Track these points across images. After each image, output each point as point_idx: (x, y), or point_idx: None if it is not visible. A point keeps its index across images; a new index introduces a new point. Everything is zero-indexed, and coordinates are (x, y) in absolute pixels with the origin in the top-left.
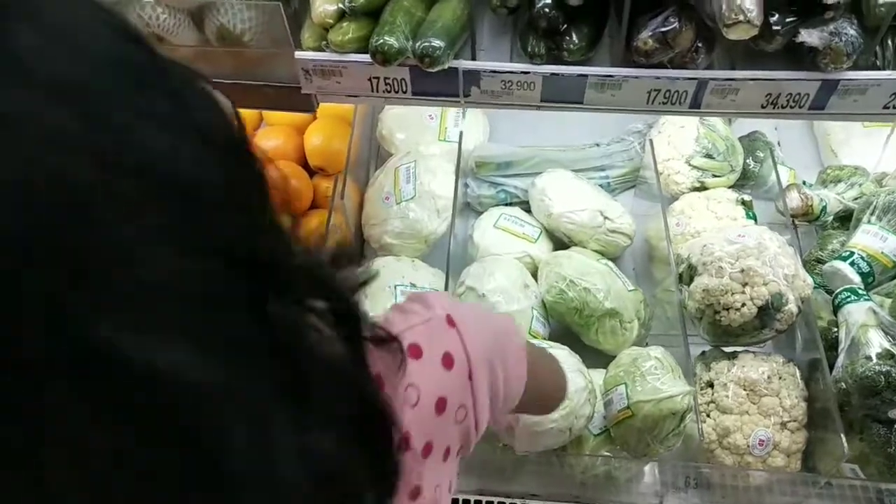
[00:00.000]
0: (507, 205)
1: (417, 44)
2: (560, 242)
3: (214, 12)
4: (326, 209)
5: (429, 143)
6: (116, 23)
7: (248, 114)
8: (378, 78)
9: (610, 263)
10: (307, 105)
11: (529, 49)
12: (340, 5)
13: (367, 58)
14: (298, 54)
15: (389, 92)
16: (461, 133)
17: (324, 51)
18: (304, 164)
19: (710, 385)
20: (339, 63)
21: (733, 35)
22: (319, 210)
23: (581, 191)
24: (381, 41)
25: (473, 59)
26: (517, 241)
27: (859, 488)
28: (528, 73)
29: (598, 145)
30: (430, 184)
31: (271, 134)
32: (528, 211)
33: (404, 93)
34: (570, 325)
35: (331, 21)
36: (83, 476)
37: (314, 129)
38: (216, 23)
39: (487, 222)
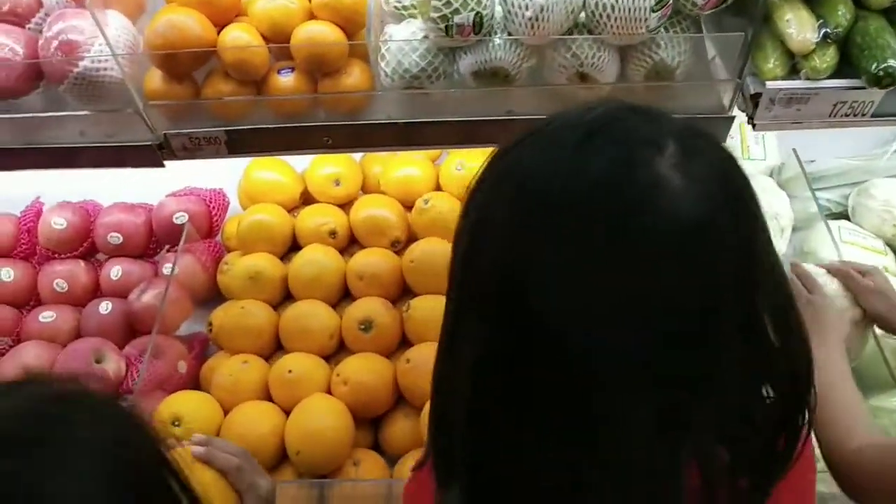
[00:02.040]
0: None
1: None
2: None
3: (653, 47)
4: None
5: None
6: None
7: None
8: (844, 102)
9: None
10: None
11: None
12: (822, 31)
13: (839, 82)
14: (771, 84)
15: (848, 116)
16: (794, 150)
17: (792, 79)
18: None
19: None
20: (809, 90)
21: None
22: None
23: None
24: (887, 65)
25: None
26: (868, 254)
27: None
28: None
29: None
30: (771, 205)
31: None
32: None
33: (863, 115)
34: None
35: (811, 48)
36: None
37: None
38: (652, 58)
39: (823, 237)
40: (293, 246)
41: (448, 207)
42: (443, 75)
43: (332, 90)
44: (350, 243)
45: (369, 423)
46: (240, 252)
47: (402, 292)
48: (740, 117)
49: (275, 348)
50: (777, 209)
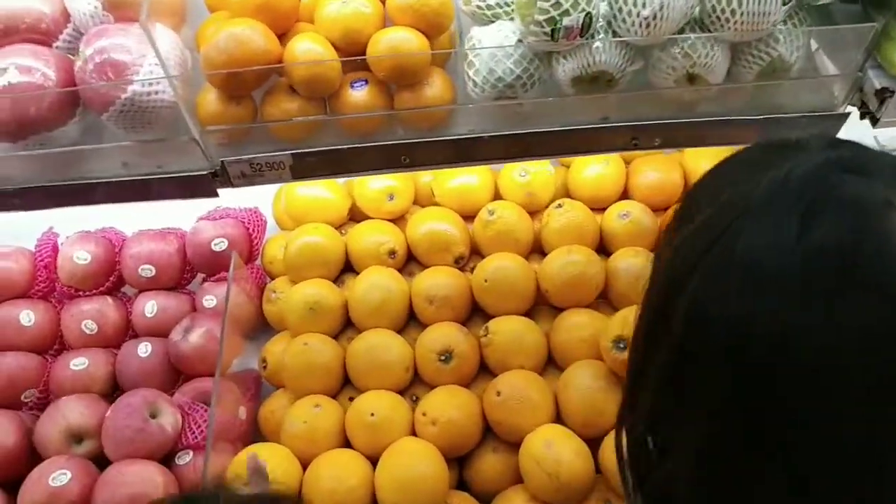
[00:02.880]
0: None
1: None
2: None
3: (771, 42)
4: None
5: None
6: None
7: None
8: None
9: None
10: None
11: None
12: None
13: None
14: None
15: None
16: None
17: None
18: None
19: None
20: None
21: None
22: None
23: None
24: None
25: None
26: None
27: None
28: None
29: None
30: None
31: None
32: None
33: None
34: None
35: None
36: None
37: None
38: (770, 54)
39: None
40: (344, 268)
41: (515, 218)
42: (537, 83)
43: (413, 103)
44: (407, 262)
45: (455, 461)
46: (287, 278)
47: (471, 314)
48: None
49: (341, 385)
50: None
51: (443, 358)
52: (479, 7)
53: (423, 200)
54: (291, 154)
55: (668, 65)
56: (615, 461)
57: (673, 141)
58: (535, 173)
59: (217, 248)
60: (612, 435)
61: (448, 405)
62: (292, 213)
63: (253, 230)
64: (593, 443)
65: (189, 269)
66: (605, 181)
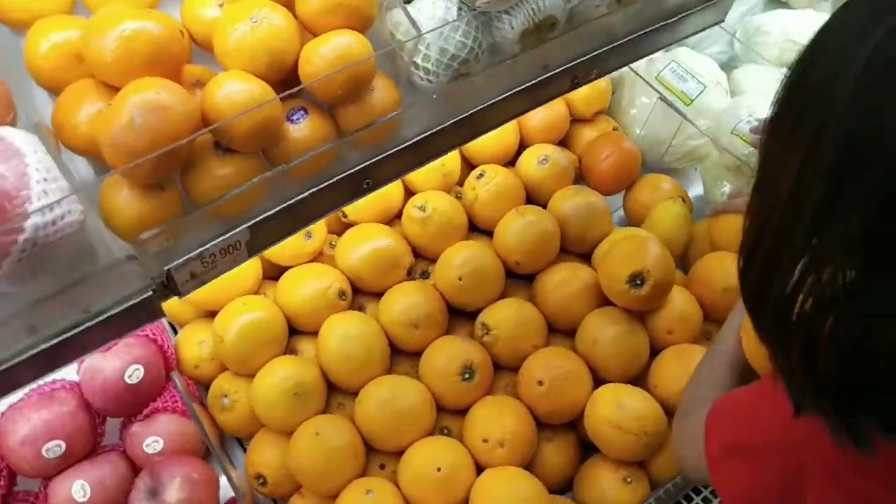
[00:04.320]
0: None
1: None
2: None
3: None
4: None
5: None
6: None
7: None
8: None
9: None
10: None
11: None
12: None
13: None
14: None
15: None
16: None
17: None
18: None
19: None
20: None
21: None
22: None
23: None
24: None
25: None
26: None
27: None
28: None
29: None
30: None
31: None
32: None
33: None
34: None
35: None
36: None
37: None
38: None
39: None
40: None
41: (447, 205)
42: (484, 52)
43: (365, 118)
44: (355, 293)
45: None
46: (229, 374)
47: (450, 314)
48: None
49: (366, 459)
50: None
51: (466, 376)
52: None
53: (333, 226)
54: (248, 228)
55: None
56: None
57: (606, 68)
58: (447, 159)
59: (133, 381)
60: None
61: (506, 421)
62: (198, 298)
63: (159, 338)
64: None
65: (100, 421)
66: (504, 136)
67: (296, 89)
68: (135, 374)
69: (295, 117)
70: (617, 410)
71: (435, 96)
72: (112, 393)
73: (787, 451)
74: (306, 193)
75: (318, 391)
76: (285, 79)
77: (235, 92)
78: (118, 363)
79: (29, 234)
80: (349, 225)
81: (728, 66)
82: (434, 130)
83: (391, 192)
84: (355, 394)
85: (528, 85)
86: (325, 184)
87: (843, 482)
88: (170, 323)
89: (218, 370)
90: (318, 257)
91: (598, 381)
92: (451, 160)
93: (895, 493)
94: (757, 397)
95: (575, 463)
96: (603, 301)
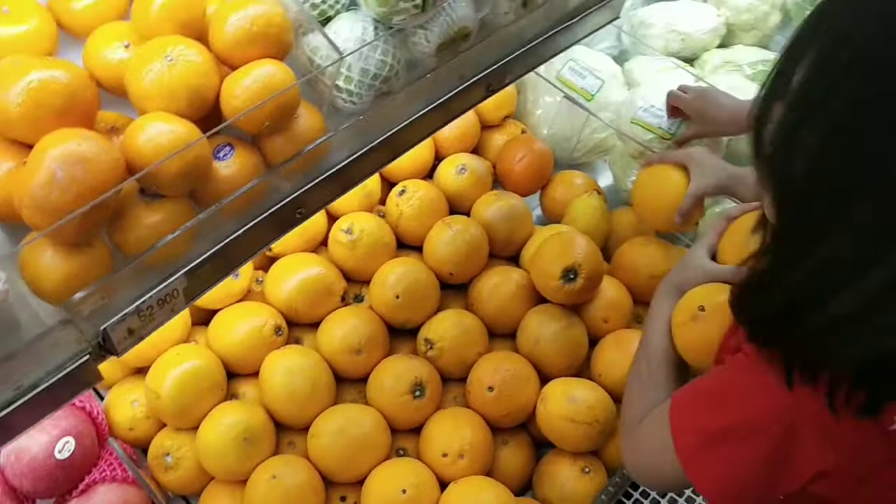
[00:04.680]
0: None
1: None
2: None
3: None
4: None
5: None
6: None
7: None
8: None
9: None
10: None
11: None
12: None
13: None
14: None
15: None
16: None
17: None
18: None
19: None
20: None
21: None
22: None
23: None
24: None
25: None
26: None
27: None
28: None
29: None
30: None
31: None
32: None
33: None
34: None
35: None
36: None
37: None
38: None
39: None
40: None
41: (374, 226)
42: (403, 68)
43: (293, 147)
44: (290, 327)
45: None
46: (169, 430)
47: (390, 333)
48: None
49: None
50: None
51: (417, 394)
52: (313, 3)
53: (258, 262)
54: (185, 274)
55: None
56: None
57: (517, 73)
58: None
59: (64, 455)
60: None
61: (463, 432)
62: (125, 356)
63: (87, 405)
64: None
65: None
66: (420, 150)
67: (222, 125)
68: (65, 447)
69: (221, 154)
70: (568, 404)
71: (362, 117)
72: (43, 472)
73: (778, 417)
74: (241, 231)
75: (267, 433)
76: (207, 116)
77: (160, 134)
78: (45, 438)
79: None
80: (274, 259)
81: (619, 59)
82: (363, 150)
83: (314, 219)
84: (305, 429)
85: (446, 97)
86: (259, 218)
87: (836, 439)
88: (94, 388)
89: (155, 429)
90: (247, 296)
91: (544, 378)
92: (371, 180)
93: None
94: (729, 377)
95: (532, 462)
96: (538, 300)
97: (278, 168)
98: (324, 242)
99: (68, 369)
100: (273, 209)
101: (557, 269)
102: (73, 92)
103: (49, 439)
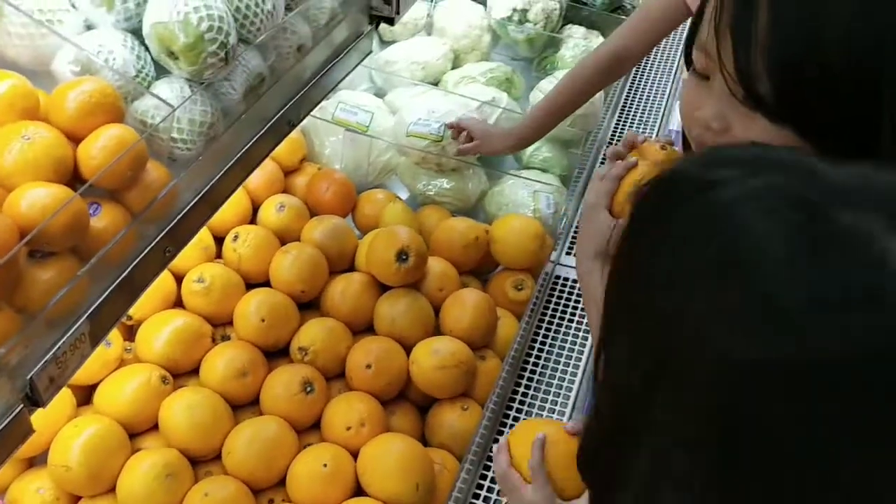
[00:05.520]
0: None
1: None
2: None
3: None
4: None
5: None
6: None
7: None
8: None
9: None
10: None
11: None
12: None
13: None
14: None
15: None
16: None
17: None
18: None
19: None
20: None
21: None
22: None
23: None
24: None
25: None
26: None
27: None
28: None
29: None
30: None
31: None
32: None
33: None
34: None
35: None
36: None
37: None
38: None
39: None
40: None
41: (222, 270)
42: (222, 113)
43: (149, 197)
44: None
45: None
46: (88, 498)
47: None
48: None
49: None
50: None
51: (308, 389)
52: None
53: (124, 334)
54: (87, 319)
55: (287, 43)
56: None
57: (307, 108)
58: None
59: None
60: None
61: (357, 406)
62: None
63: None
64: None
65: None
66: (238, 202)
67: (91, 181)
68: None
69: (92, 210)
70: (434, 356)
71: (200, 158)
72: None
73: None
74: (124, 273)
75: (185, 467)
76: (67, 182)
77: (40, 197)
78: None
79: None
80: (136, 326)
81: (379, 94)
82: (209, 185)
83: (163, 283)
84: (216, 459)
85: (261, 133)
86: (135, 262)
87: None
88: None
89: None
90: (121, 364)
91: (408, 350)
92: (205, 236)
93: None
94: None
95: (419, 423)
96: (381, 290)
97: (141, 215)
98: (178, 301)
99: (6, 422)
100: (145, 252)
101: (391, 254)
102: None
103: None
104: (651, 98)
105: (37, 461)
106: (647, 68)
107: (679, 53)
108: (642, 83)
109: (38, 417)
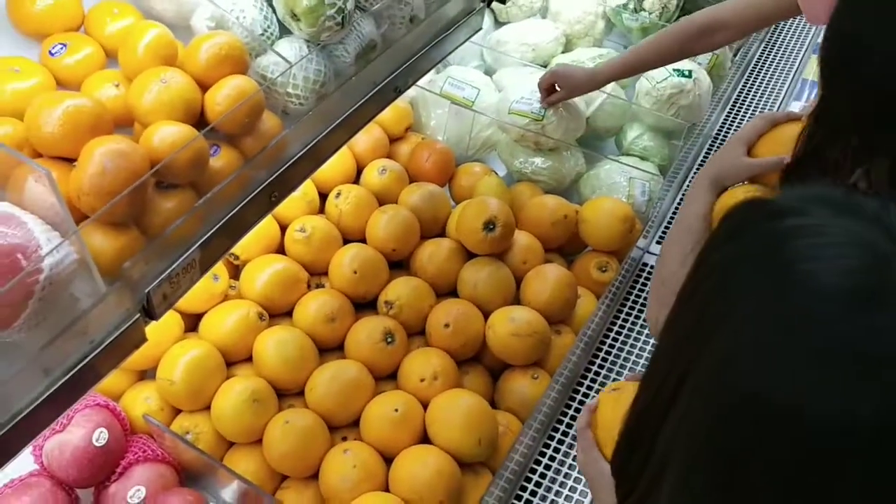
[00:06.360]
0: None
1: None
2: None
3: None
4: None
5: None
6: None
7: None
8: None
9: None
10: None
11: None
12: None
13: None
14: None
15: None
16: None
17: None
18: None
19: None
20: None
21: None
22: None
23: None
24: None
25: None
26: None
27: None
28: None
29: None
30: None
31: None
32: None
33: None
34: None
35: None
36: None
37: None
38: None
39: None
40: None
41: (323, 223)
42: (334, 74)
43: (262, 143)
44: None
45: None
46: (186, 412)
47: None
48: None
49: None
50: None
51: (389, 340)
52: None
53: (230, 272)
54: (199, 248)
55: (400, 13)
56: None
57: (414, 77)
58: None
59: (101, 443)
60: None
61: (433, 360)
62: (130, 363)
63: (109, 404)
64: None
65: (74, 498)
66: (343, 162)
67: (214, 123)
68: (101, 436)
69: (212, 151)
70: (511, 323)
71: (310, 113)
72: (85, 460)
73: None
74: (233, 212)
75: (271, 396)
76: (195, 124)
77: (170, 134)
78: (83, 431)
79: (46, 272)
80: (242, 266)
81: (489, 73)
82: (316, 140)
83: (268, 229)
84: (300, 394)
85: (368, 96)
86: (246, 200)
87: None
88: None
89: (170, 417)
90: (225, 299)
91: (487, 316)
92: (310, 190)
93: None
94: None
95: (490, 386)
96: (468, 257)
97: (253, 159)
98: (280, 248)
99: (125, 327)
100: (254, 194)
101: (479, 223)
102: (98, 112)
103: (86, 432)
104: (764, 95)
105: (147, 375)
106: (765, 65)
107: (798, 56)
108: (757, 80)
109: (151, 332)
